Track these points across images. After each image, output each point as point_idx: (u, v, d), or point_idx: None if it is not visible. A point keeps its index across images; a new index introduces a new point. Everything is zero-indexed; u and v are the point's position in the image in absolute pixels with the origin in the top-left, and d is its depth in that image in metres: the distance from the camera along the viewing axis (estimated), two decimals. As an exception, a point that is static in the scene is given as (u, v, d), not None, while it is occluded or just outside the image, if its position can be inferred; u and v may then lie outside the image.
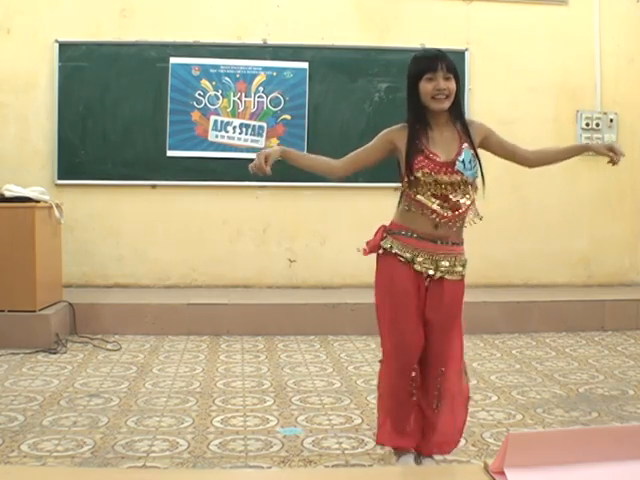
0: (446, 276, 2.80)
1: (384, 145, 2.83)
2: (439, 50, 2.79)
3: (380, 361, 2.98)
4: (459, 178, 2.73)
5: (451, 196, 2.74)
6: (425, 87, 2.69)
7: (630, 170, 6.77)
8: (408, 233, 2.79)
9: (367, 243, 2.92)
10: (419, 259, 2.77)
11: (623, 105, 6.71)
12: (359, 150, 2.87)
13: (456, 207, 2.74)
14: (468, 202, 2.77)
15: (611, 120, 6.68)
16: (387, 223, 2.91)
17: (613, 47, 6.67)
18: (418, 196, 2.76)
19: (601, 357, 5.00)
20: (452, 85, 2.70)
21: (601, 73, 6.68)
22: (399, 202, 2.88)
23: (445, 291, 2.81)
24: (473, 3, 6.56)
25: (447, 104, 2.71)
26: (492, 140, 2.84)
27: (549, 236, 6.64)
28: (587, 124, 6.66)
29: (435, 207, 2.73)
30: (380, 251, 2.85)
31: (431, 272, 2.78)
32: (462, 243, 2.88)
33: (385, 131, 2.84)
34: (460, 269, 2.84)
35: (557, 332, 5.74)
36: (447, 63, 2.70)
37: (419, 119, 2.76)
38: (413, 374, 2.83)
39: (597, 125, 6.66)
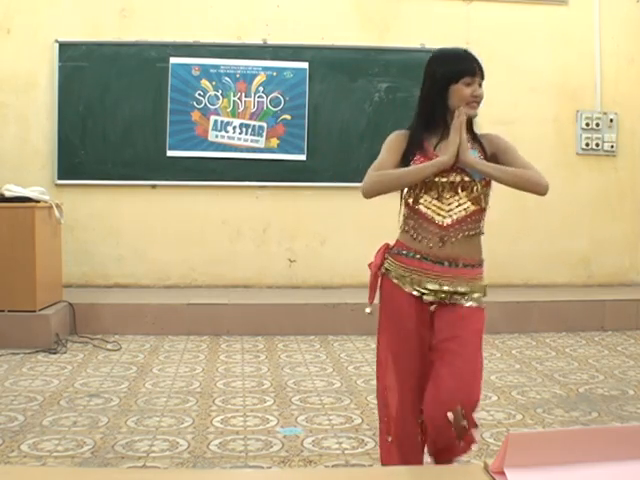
0: (456, 302, 2.44)
1: (401, 146, 2.50)
2: (468, 51, 2.52)
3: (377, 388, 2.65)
4: (459, 178, 2.42)
5: (451, 200, 2.44)
6: (463, 91, 2.42)
7: (630, 170, 6.77)
8: (410, 253, 2.47)
9: (369, 265, 2.59)
10: (419, 284, 2.45)
11: (623, 105, 6.71)
12: (385, 163, 2.47)
13: (457, 214, 2.44)
14: (471, 209, 2.44)
15: (611, 120, 6.68)
16: (392, 242, 2.61)
17: (613, 47, 6.67)
18: (416, 203, 2.47)
19: (601, 357, 5.00)
20: (483, 92, 2.49)
21: (601, 73, 6.68)
22: (402, 217, 2.57)
23: (454, 317, 2.44)
24: (473, 3, 6.56)
25: (477, 111, 2.49)
26: (500, 159, 2.47)
27: (549, 236, 6.64)
28: (587, 124, 6.66)
29: (431, 214, 2.44)
30: (382, 271, 2.54)
31: (430, 298, 2.44)
32: (479, 265, 2.50)
33: (394, 135, 2.56)
34: (476, 295, 2.46)
35: (557, 332, 5.74)
36: (482, 68, 2.47)
37: (436, 122, 2.48)
38: (418, 408, 2.46)
39: (597, 125, 6.66)
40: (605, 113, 6.69)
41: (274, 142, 6.37)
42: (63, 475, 1.40)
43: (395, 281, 2.49)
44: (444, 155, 2.39)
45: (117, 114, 6.26)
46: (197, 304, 5.66)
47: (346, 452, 3.20)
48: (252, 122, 6.36)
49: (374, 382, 4.28)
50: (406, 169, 2.43)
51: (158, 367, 4.63)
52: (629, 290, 6.55)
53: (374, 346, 5.20)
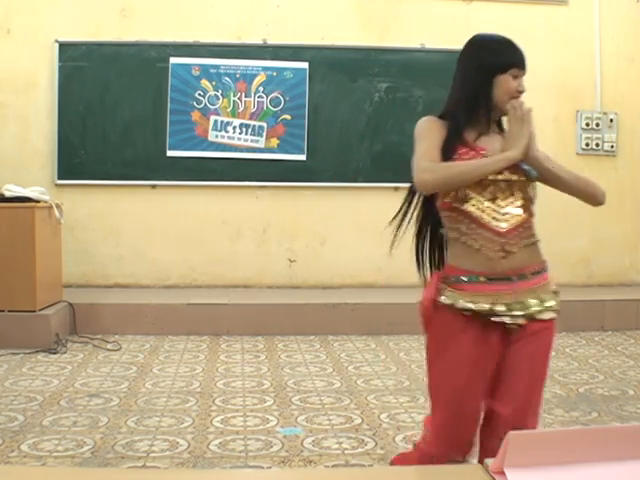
0: (531, 317, 2.15)
1: (441, 136, 2.16)
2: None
3: (424, 426, 2.34)
4: (515, 178, 2.13)
5: (506, 203, 2.13)
6: (510, 84, 2.16)
7: (630, 170, 6.77)
8: (473, 277, 2.11)
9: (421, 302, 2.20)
10: (497, 308, 2.10)
11: (623, 105, 6.71)
12: (435, 155, 2.12)
13: (513, 218, 2.14)
14: (525, 214, 2.17)
15: (611, 120, 6.68)
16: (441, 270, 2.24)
17: (613, 47, 6.67)
18: (466, 205, 2.11)
19: (601, 357, 5.00)
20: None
21: (601, 73, 6.68)
22: (446, 233, 2.21)
23: (529, 340, 2.16)
24: (473, 3, 6.57)
25: None
26: None
27: (549, 236, 6.62)
28: (587, 124, 6.66)
29: (486, 217, 2.11)
30: (440, 303, 2.15)
31: (507, 320, 2.11)
32: (546, 269, 2.22)
33: (430, 122, 2.21)
34: (550, 303, 2.18)
35: (557, 332, 5.72)
36: (526, 62, 2.20)
37: (478, 114, 2.18)
38: (472, 448, 2.24)
39: (597, 125, 6.66)
40: (605, 113, 6.69)
41: (274, 142, 6.37)
42: (63, 475, 1.40)
43: (457, 313, 2.12)
44: (513, 149, 2.08)
45: (117, 114, 6.25)
46: (197, 304, 5.66)
47: (346, 452, 3.20)
48: (252, 122, 6.36)
49: (374, 382, 4.31)
50: (474, 162, 2.10)
51: (158, 367, 4.63)
52: (629, 290, 6.54)
53: (374, 346, 5.24)
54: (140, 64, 6.26)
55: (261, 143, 6.35)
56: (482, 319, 2.11)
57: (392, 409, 3.81)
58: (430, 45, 6.43)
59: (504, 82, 2.15)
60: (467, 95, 2.17)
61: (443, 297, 2.14)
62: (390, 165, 6.25)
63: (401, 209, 2.31)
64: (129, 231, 6.35)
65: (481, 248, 2.11)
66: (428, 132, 2.17)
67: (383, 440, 3.35)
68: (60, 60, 6.18)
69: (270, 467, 3.01)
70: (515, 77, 2.16)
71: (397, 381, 4.36)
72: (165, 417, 3.65)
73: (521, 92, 2.18)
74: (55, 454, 3.13)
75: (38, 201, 5.19)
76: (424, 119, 2.22)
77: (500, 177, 2.10)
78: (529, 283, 2.13)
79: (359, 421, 3.62)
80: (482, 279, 2.11)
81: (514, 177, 2.12)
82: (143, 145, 6.30)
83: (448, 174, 2.08)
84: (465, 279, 2.12)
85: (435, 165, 2.09)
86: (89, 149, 6.26)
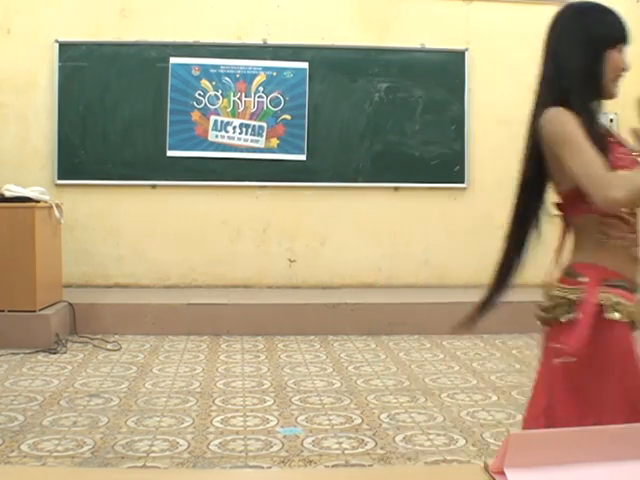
0: None
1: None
2: None
3: None
4: None
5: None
6: (618, 60, 1.86)
7: (630, 170, 6.77)
8: (633, 286, 1.80)
9: (582, 313, 1.77)
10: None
11: (623, 105, 6.66)
12: (601, 160, 1.75)
13: (633, 224, 1.84)
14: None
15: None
16: (584, 271, 1.91)
17: (613, 47, 6.67)
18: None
19: (601, 357, 4.99)
20: None
21: (601, 73, 6.68)
22: (577, 228, 2.00)
23: None
24: (473, 3, 6.56)
25: None
26: None
27: (550, 236, 6.63)
28: (587, 124, 6.66)
29: (627, 217, 1.82)
30: (610, 311, 1.76)
31: None
32: None
33: (567, 115, 1.81)
34: None
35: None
36: None
37: (592, 99, 1.92)
38: None
39: (597, 125, 6.66)
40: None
41: (274, 142, 6.37)
42: (63, 475, 1.40)
43: (629, 326, 1.77)
44: None
45: (117, 114, 6.26)
46: (197, 304, 5.66)
47: (346, 452, 3.20)
48: (252, 122, 6.36)
49: (374, 382, 4.31)
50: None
51: (158, 367, 4.63)
52: (629, 290, 6.53)
53: (374, 346, 5.24)
54: (140, 64, 6.26)
55: (261, 143, 6.35)
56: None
57: (392, 409, 3.81)
58: (430, 45, 6.43)
59: (614, 58, 1.85)
60: (585, 75, 1.87)
61: (613, 298, 1.77)
62: (390, 165, 6.25)
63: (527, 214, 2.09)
64: (129, 231, 6.35)
65: (637, 255, 1.81)
66: (578, 131, 1.77)
67: (383, 440, 3.35)
68: (60, 60, 6.19)
69: (270, 467, 3.01)
70: (621, 54, 1.89)
71: (397, 381, 4.36)
72: (165, 417, 3.65)
73: (626, 70, 1.92)
74: (55, 454, 3.13)
75: (38, 201, 5.19)
76: (561, 112, 1.81)
77: None
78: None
79: (359, 421, 3.62)
80: (628, 286, 1.79)
81: None
82: (143, 145, 6.30)
83: (633, 188, 1.69)
84: (627, 285, 1.78)
85: (618, 179, 1.71)
86: (89, 149, 6.26)
